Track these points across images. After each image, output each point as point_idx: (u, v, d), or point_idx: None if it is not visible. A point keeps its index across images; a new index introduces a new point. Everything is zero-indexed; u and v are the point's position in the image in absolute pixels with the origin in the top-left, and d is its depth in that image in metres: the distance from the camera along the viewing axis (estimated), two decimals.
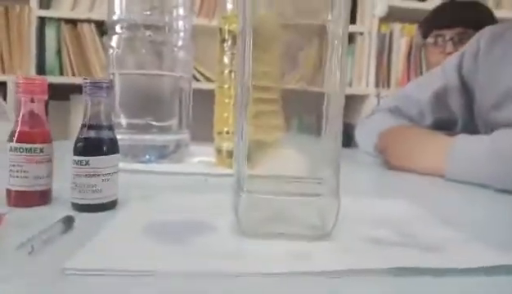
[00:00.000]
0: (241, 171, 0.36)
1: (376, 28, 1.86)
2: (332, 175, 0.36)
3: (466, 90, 0.88)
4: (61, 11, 1.81)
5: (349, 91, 1.93)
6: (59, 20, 1.82)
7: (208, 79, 1.84)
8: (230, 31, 0.71)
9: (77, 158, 0.41)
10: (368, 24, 1.87)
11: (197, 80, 1.87)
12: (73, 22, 1.84)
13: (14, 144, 0.42)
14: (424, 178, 0.70)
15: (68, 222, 0.36)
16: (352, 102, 2.00)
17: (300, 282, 0.28)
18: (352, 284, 0.28)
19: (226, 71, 0.71)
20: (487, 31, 0.89)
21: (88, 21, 1.83)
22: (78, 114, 1.79)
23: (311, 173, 0.37)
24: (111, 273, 0.28)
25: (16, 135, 0.42)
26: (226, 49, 0.71)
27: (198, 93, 1.80)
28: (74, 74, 1.83)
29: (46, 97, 0.44)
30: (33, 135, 0.43)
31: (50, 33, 1.83)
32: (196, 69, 1.88)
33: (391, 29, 1.90)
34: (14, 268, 0.28)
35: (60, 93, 1.79)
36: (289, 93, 0.37)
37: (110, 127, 0.43)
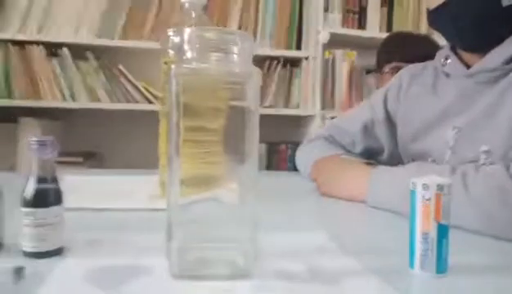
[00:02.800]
0: (172, 219, 0.42)
1: (321, 54, 1.98)
2: (250, 218, 0.43)
3: (390, 122, 0.98)
4: (8, 32, 1.80)
5: (297, 112, 2.03)
6: (6, 41, 1.81)
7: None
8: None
9: (25, 209, 0.46)
10: (312, 50, 1.99)
11: (150, 102, 1.91)
12: (21, 43, 1.83)
13: None
14: (349, 204, 0.79)
15: (19, 272, 0.40)
16: (300, 122, 2.11)
17: None
18: None
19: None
20: (407, 70, 1.01)
21: (37, 43, 1.83)
22: (26, 137, 1.77)
23: (231, 215, 0.43)
24: None
25: None
26: (167, 89, 0.77)
27: (151, 114, 1.84)
28: (22, 97, 1.81)
29: None
30: None
31: None
32: (150, 92, 1.92)
33: (333, 55, 2.03)
34: None
35: (9, 116, 1.78)
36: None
37: (55, 179, 0.48)
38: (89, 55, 1.88)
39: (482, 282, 0.45)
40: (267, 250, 0.44)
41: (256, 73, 0.43)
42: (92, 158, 1.88)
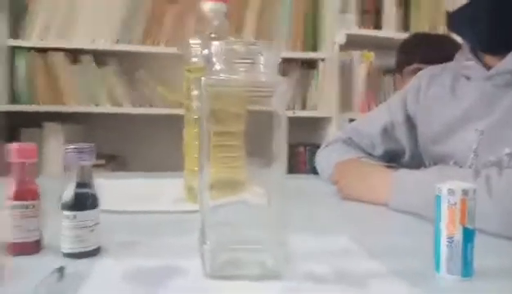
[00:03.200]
0: (205, 222, 0.44)
1: (337, 55, 1.98)
2: (279, 223, 0.45)
3: (411, 124, 0.98)
4: (31, 40, 1.85)
5: (314, 114, 2.04)
6: (29, 48, 1.86)
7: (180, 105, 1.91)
8: (194, 80, 0.80)
9: (66, 212, 0.48)
10: (329, 51, 1.99)
11: (169, 106, 1.94)
12: (43, 51, 1.88)
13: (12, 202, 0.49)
14: (371, 207, 0.80)
15: (61, 272, 0.43)
16: (317, 124, 2.12)
17: None
18: None
19: (194, 117, 0.79)
20: (427, 71, 1.01)
21: (58, 50, 1.87)
22: (50, 142, 1.83)
23: (262, 219, 0.45)
24: None
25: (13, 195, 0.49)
26: (192, 98, 0.79)
27: (171, 118, 1.87)
28: (46, 102, 1.86)
29: (36, 160, 0.51)
30: (24, 192, 0.50)
31: (20, 63, 1.86)
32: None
33: (351, 56, 2.03)
34: None
35: (32, 121, 1.83)
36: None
37: (92, 184, 0.51)
38: (110, 60, 1.93)
39: (509, 285, 0.46)
40: (294, 252, 0.46)
41: (281, 82, 0.45)
42: (114, 161, 1.92)
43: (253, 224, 0.45)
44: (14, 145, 0.50)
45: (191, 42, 0.78)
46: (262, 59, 0.43)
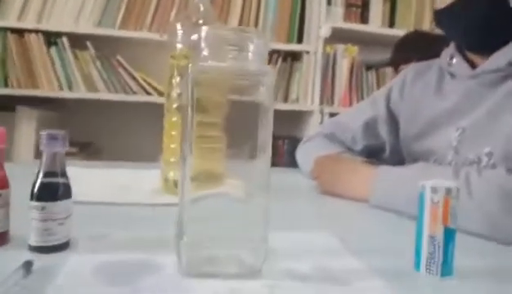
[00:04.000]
0: (183, 216, 0.42)
1: (321, 49, 1.97)
2: (261, 217, 0.43)
3: (393, 120, 0.98)
4: (7, 20, 1.78)
5: (296, 106, 2.03)
6: (5, 29, 1.79)
7: (160, 93, 1.88)
8: (178, 67, 0.77)
9: (34, 203, 0.46)
10: (314, 44, 1.98)
11: (148, 94, 1.90)
12: (19, 32, 1.81)
13: None
14: (350, 202, 0.79)
15: (27, 267, 0.40)
16: (298, 117, 2.11)
17: None
18: None
19: (174, 105, 0.77)
20: (412, 68, 1.01)
21: (36, 31, 1.81)
22: (23, 126, 1.76)
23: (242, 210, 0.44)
24: None
25: None
26: (174, 85, 0.77)
27: (149, 106, 1.83)
28: (20, 86, 1.80)
29: (4, 146, 0.48)
30: None
31: None
32: (148, 83, 1.91)
33: (335, 50, 2.02)
34: None
35: (6, 104, 1.76)
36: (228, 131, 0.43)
37: (64, 174, 0.48)
38: (88, 44, 1.87)
39: (487, 286, 0.46)
40: (274, 248, 0.45)
41: (270, 72, 0.43)
42: (87, 149, 1.87)
43: (234, 218, 0.43)
44: None
45: (178, 27, 0.75)
46: (251, 47, 0.41)
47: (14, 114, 1.77)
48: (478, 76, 0.80)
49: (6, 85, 1.79)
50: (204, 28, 0.41)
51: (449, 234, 0.45)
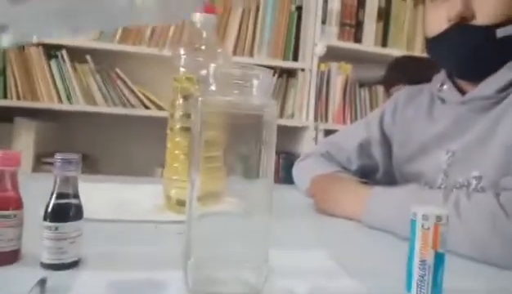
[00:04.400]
0: (191, 236, 0.45)
1: (316, 66, 2.02)
2: (263, 238, 0.46)
3: (386, 142, 1.02)
4: None
5: (291, 122, 2.06)
6: None
7: (159, 107, 1.91)
8: (181, 90, 0.80)
9: (47, 224, 0.48)
10: (309, 62, 2.03)
11: (146, 107, 1.93)
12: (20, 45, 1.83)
13: None
14: (345, 222, 0.82)
15: (42, 284, 0.43)
16: (293, 133, 2.15)
17: None
18: None
19: (178, 126, 0.80)
20: (404, 92, 1.05)
21: (36, 45, 1.83)
22: (22, 137, 1.78)
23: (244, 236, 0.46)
24: None
25: None
26: (177, 106, 0.80)
27: (147, 120, 1.86)
28: (19, 97, 1.82)
29: (17, 168, 0.50)
30: (6, 201, 0.49)
31: None
32: (147, 96, 1.94)
33: (329, 67, 2.07)
34: None
35: (4, 115, 1.78)
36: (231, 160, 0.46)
37: (76, 195, 0.50)
38: (87, 58, 1.90)
39: None
40: (274, 267, 0.47)
41: (273, 105, 0.46)
42: (84, 162, 1.88)
43: (237, 236, 0.46)
44: None
45: (181, 51, 0.79)
46: (256, 83, 0.45)
47: (12, 126, 1.79)
48: (467, 102, 0.84)
49: (5, 96, 1.81)
50: (213, 65, 0.44)
51: (439, 258, 0.48)
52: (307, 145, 1.98)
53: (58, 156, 0.49)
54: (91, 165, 1.94)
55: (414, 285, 0.48)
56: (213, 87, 0.45)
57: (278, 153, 2.11)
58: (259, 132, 0.46)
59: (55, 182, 0.49)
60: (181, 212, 0.68)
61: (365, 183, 0.92)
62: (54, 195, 0.49)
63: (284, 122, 2.05)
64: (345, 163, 1.05)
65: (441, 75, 0.93)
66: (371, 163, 1.03)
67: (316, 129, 2.00)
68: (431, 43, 0.87)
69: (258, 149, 0.46)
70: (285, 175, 1.90)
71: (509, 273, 0.60)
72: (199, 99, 0.44)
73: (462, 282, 0.55)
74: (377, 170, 1.04)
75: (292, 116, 2.08)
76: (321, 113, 2.07)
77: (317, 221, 0.86)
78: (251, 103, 0.46)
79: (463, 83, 0.88)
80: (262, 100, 0.46)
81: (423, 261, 0.48)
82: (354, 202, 0.83)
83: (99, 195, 0.88)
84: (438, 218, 0.48)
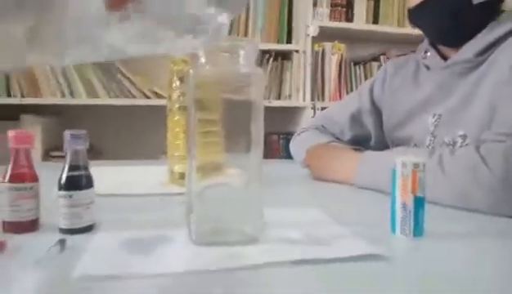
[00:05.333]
0: (191, 196, 0.50)
1: (310, 47, 2.05)
2: (257, 194, 0.51)
3: (376, 111, 1.06)
4: None
5: (289, 103, 2.11)
6: None
7: (159, 96, 1.95)
8: (177, 72, 0.85)
9: (62, 193, 0.53)
10: (303, 43, 2.07)
11: (147, 97, 1.97)
12: None
13: (8, 185, 0.53)
14: (339, 186, 0.87)
15: (62, 243, 0.48)
16: (291, 113, 2.19)
17: (234, 273, 0.42)
18: (269, 272, 0.43)
19: (176, 106, 0.84)
20: (392, 62, 1.09)
21: None
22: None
23: (241, 192, 0.52)
24: (107, 278, 0.41)
25: (9, 177, 0.53)
26: (174, 87, 0.85)
27: (148, 109, 1.91)
28: (22, 95, 1.87)
29: (32, 146, 0.55)
30: (22, 176, 0.54)
31: None
32: (147, 87, 1.98)
33: (323, 47, 2.11)
34: (35, 278, 0.40)
35: (10, 113, 1.83)
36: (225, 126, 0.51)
37: (86, 167, 0.56)
38: None
39: (454, 244, 0.54)
40: (269, 222, 0.52)
41: (259, 73, 0.51)
42: (88, 152, 1.94)
43: (235, 200, 0.51)
44: (11, 132, 0.54)
45: None
46: (242, 53, 0.49)
47: (18, 123, 1.84)
48: (449, 67, 0.89)
49: (9, 95, 1.86)
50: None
51: (418, 201, 0.53)
52: (305, 125, 2.02)
53: (67, 132, 0.54)
54: (96, 156, 1.99)
55: (397, 226, 0.53)
56: (202, 60, 0.49)
57: (278, 133, 2.15)
58: (249, 101, 0.50)
59: (66, 156, 0.54)
60: (183, 185, 0.74)
61: (357, 149, 0.96)
62: (66, 168, 0.54)
63: (282, 103, 2.10)
64: (339, 135, 1.10)
65: (424, 43, 0.97)
66: (363, 133, 1.08)
67: (313, 108, 2.04)
68: (413, 13, 0.91)
69: (249, 117, 0.50)
70: (286, 155, 1.95)
71: (489, 217, 0.65)
72: (191, 71, 0.49)
73: (442, 225, 0.59)
74: (369, 139, 1.08)
75: (289, 97, 2.12)
76: (318, 92, 2.11)
77: (312, 187, 0.91)
78: (239, 71, 0.50)
79: (445, 49, 0.92)
80: (249, 68, 0.51)
81: (403, 205, 0.53)
82: (347, 167, 0.87)
83: (106, 175, 0.94)
84: (416, 165, 0.52)
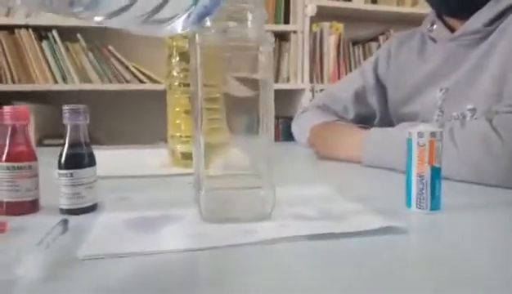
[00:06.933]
0: (200, 173, 0.48)
1: (308, 27, 2.02)
2: (268, 170, 0.48)
3: (381, 88, 1.04)
4: None
5: (287, 86, 2.08)
6: None
7: (153, 81, 1.91)
8: (177, 48, 0.81)
9: (62, 171, 0.50)
10: (300, 23, 2.03)
11: (141, 82, 1.93)
12: (9, 28, 1.83)
13: (5, 164, 0.50)
14: (346, 164, 0.85)
15: (65, 224, 0.45)
16: (290, 96, 2.16)
17: (247, 248, 0.40)
18: (284, 248, 0.41)
19: (176, 83, 0.81)
20: (395, 37, 1.06)
21: (26, 27, 1.83)
22: None
23: (252, 169, 0.49)
24: (113, 256, 0.38)
25: (6, 156, 0.50)
26: (174, 64, 0.81)
27: (143, 94, 1.87)
28: (14, 81, 1.82)
29: (27, 123, 0.52)
30: (20, 154, 0.51)
31: None
32: (141, 71, 1.94)
33: (321, 28, 2.07)
34: (39, 258, 0.38)
35: (1, 100, 1.79)
36: (232, 104, 0.48)
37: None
38: (78, 36, 1.89)
39: (471, 218, 0.52)
40: (281, 199, 0.50)
41: (268, 37, 0.48)
42: None
43: (245, 177, 0.49)
44: (5, 108, 0.51)
45: None
46: (250, 16, 0.46)
47: None
48: (456, 38, 0.86)
49: (0, 81, 1.82)
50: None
51: (435, 172, 0.50)
52: (306, 105, 2.00)
53: (66, 107, 0.51)
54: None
55: (413, 199, 0.51)
56: (208, 23, 0.46)
57: (277, 117, 2.12)
58: (256, 65, 0.47)
59: (65, 132, 0.51)
60: (186, 166, 0.71)
61: (363, 127, 0.94)
62: (66, 144, 0.51)
63: (280, 86, 2.06)
64: (342, 113, 1.07)
65: (431, 15, 0.94)
66: (368, 111, 1.06)
67: (312, 90, 2.02)
68: None
69: (257, 94, 0.48)
70: (286, 138, 1.93)
71: (502, 191, 0.63)
72: (196, 35, 0.46)
73: (459, 199, 0.58)
74: (374, 117, 1.06)
75: (288, 80, 2.08)
76: (317, 74, 2.08)
77: (319, 166, 0.89)
78: (247, 35, 0.47)
79: (452, 21, 0.89)
80: (259, 32, 0.48)
81: (421, 176, 0.51)
82: (353, 145, 0.85)
83: (104, 159, 0.91)
84: (433, 134, 0.50)
